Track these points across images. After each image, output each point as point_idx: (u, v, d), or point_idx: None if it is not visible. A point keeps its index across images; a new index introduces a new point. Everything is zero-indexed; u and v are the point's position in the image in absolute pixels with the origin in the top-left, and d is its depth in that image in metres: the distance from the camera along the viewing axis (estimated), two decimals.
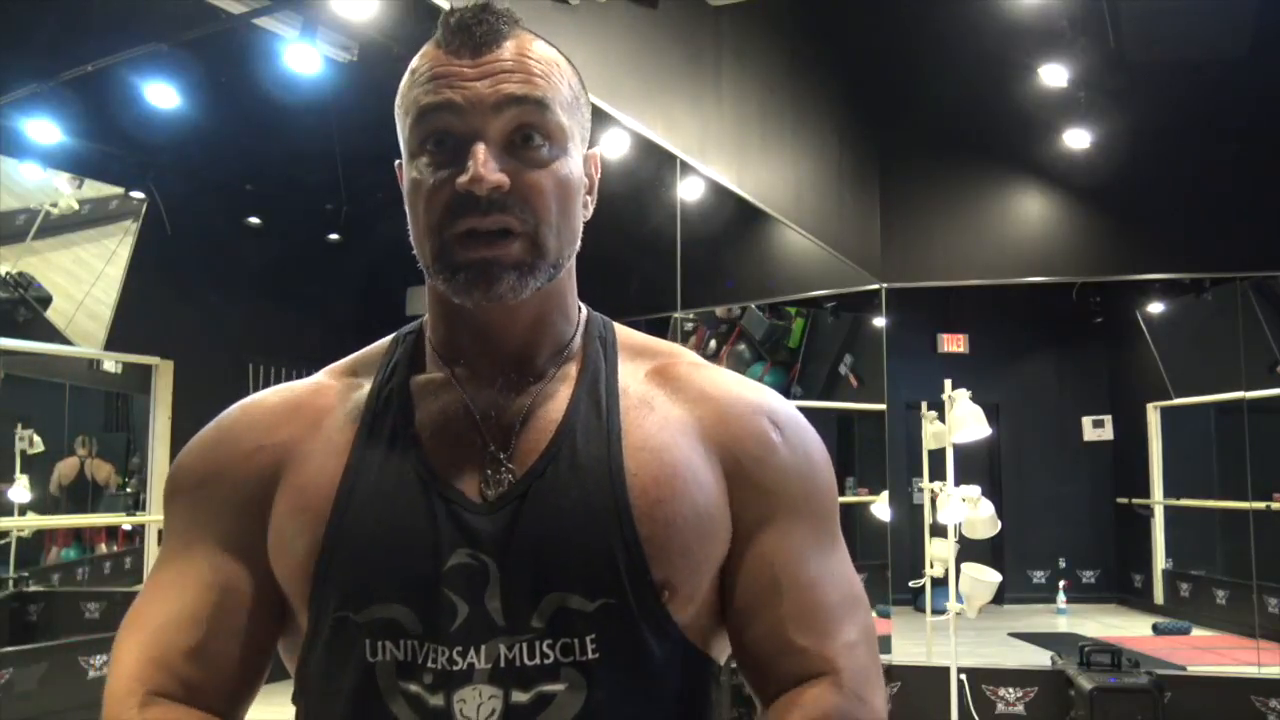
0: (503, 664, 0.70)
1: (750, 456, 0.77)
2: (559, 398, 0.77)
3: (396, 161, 0.80)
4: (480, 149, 0.70)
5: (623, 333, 0.85)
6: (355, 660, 0.71)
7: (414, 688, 0.70)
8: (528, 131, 0.73)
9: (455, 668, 0.70)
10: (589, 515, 0.72)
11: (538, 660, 0.70)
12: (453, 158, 0.72)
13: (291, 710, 0.79)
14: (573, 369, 0.80)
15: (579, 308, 0.83)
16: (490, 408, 0.77)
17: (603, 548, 0.71)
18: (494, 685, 0.69)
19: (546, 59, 0.76)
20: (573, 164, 0.76)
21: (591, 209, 0.82)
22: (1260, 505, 5.83)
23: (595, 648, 0.70)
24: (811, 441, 0.81)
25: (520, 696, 0.69)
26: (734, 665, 0.80)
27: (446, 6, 2.49)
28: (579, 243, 0.79)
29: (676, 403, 0.79)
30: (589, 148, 0.82)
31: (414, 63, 0.76)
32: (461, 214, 0.71)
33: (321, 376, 0.84)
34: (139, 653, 0.74)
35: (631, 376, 0.80)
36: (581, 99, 0.80)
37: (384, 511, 0.73)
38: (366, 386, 0.81)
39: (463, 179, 0.70)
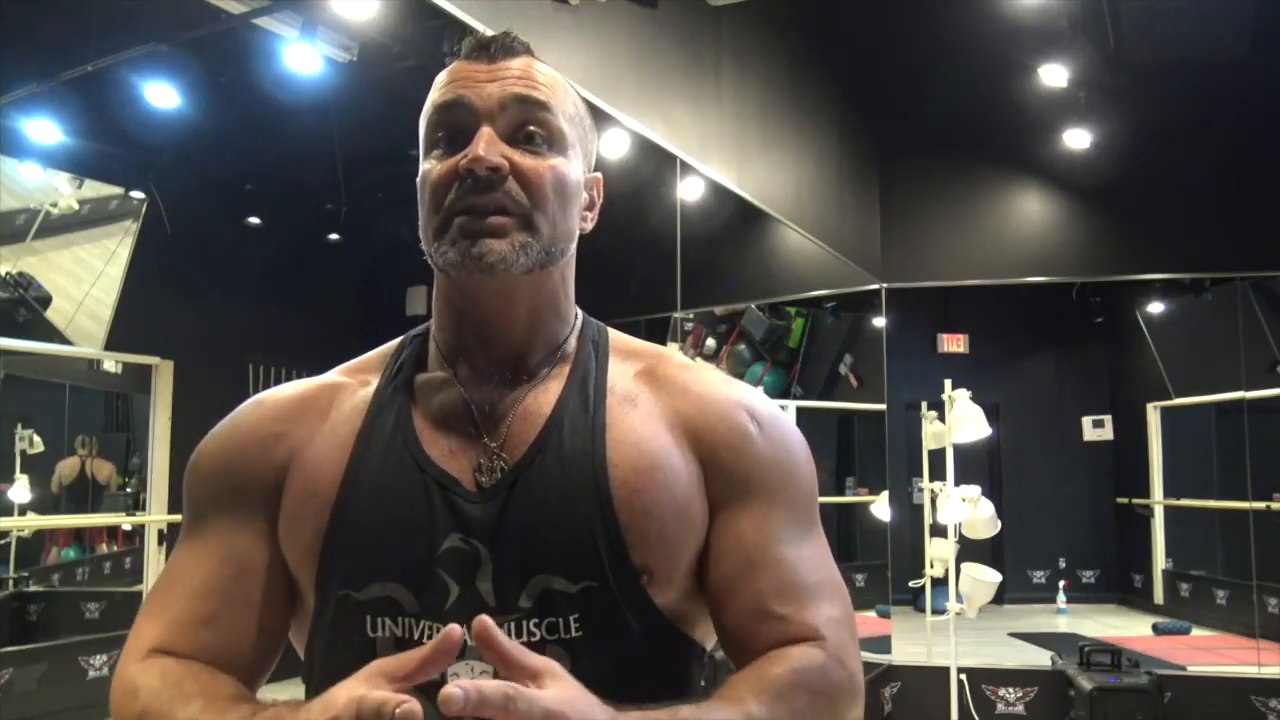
0: None
1: (726, 446, 0.81)
2: (550, 393, 0.82)
3: (419, 177, 0.85)
4: (485, 132, 0.77)
5: (616, 337, 0.90)
6: (357, 636, 0.76)
7: None
8: (530, 130, 0.79)
9: None
10: (572, 503, 0.76)
11: (525, 638, 0.75)
12: (460, 148, 0.78)
13: None
14: (565, 368, 0.84)
15: (575, 313, 0.88)
16: (486, 402, 0.82)
17: (585, 534, 0.75)
18: (485, 661, 0.72)
19: (552, 78, 0.83)
20: (572, 168, 0.82)
21: (591, 225, 0.87)
22: (1260, 505, 5.82)
23: (579, 626, 0.75)
24: (790, 436, 0.85)
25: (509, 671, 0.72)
26: (733, 665, 0.81)
27: (447, 7, 2.50)
28: (574, 245, 0.84)
29: (660, 399, 0.84)
30: (593, 171, 0.88)
31: (439, 77, 0.83)
32: (462, 193, 0.76)
33: (334, 374, 0.89)
34: (154, 622, 0.79)
35: (620, 376, 0.85)
36: (586, 121, 0.86)
37: (384, 498, 0.78)
38: (374, 383, 0.86)
39: (465, 160, 0.76)
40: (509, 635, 0.73)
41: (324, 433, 0.83)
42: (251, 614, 0.80)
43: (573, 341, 0.86)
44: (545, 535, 0.76)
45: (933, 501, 4.66)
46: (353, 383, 0.87)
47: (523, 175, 0.77)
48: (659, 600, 0.78)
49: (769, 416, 0.85)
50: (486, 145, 0.76)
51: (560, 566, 0.75)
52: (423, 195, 0.80)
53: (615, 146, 3.63)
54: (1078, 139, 5.21)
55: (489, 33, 0.83)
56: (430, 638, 0.73)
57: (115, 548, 5.99)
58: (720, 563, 0.80)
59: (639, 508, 0.77)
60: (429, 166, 0.79)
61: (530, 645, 0.73)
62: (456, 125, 0.79)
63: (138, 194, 5.22)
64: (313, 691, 0.79)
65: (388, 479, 0.78)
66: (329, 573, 0.78)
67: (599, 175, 0.88)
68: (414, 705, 0.58)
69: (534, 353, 0.84)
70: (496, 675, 0.72)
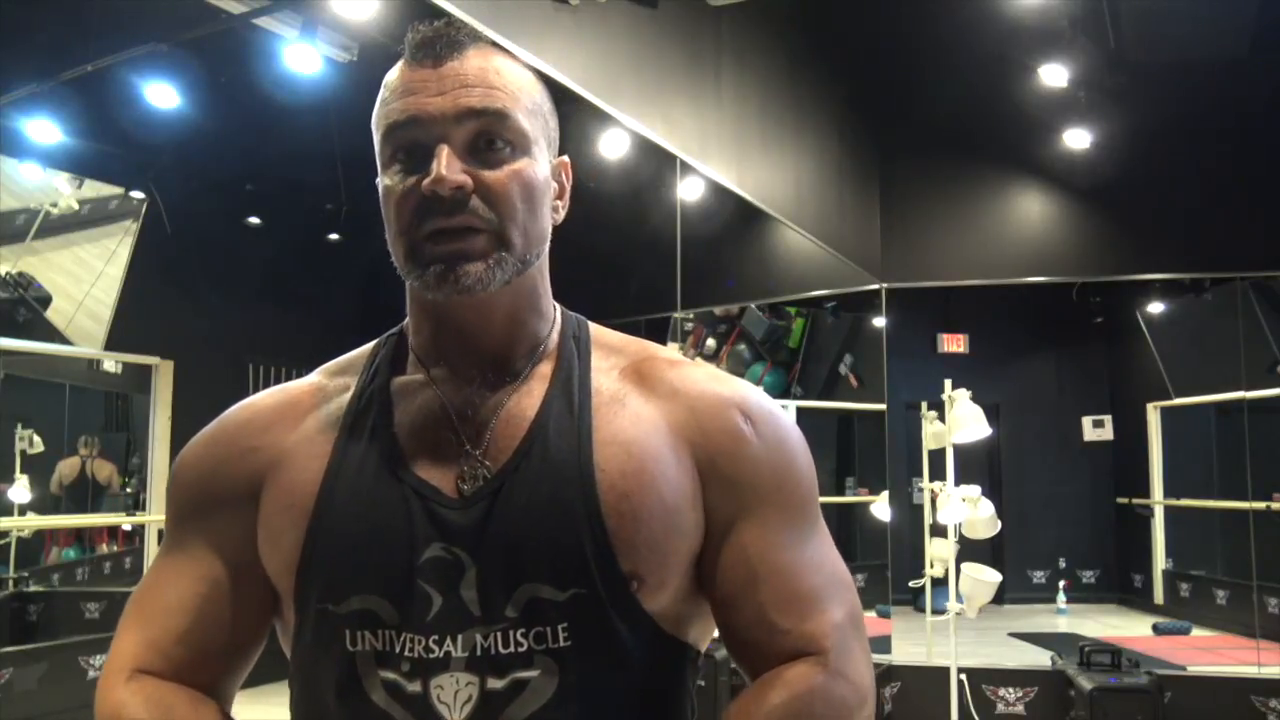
0: (479, 652, 0.72)
1: (721, 451, 0.79)
2: (533, 396, 0.80)
3: (377, 180, 0.83)
4: (444, 151, 0.74)
5: (597, 331, 0.87)
6: (337, 650, 0.74)
7: (392, 675, 0.73)
8: (490, 136, 0.76)
9: (432, 656, 0.72)
10: (559, 509, 0.74)
11: (512, 648, 0.72)
12: (419, 164, 0.75)
13: (287, 711, 0.81)
14: (548, 368, 0.82)
15: (554, 307, 0.86)
16: (466, 406, 0.79)
17: (572, 540, 0.73)
18: (470, 673, 0.72)
19: (506, 71, 0.79)
20: (537, 166, 0.79)
21: (564, 213, 0.85)
22: (1260, 505, 5.83)
23: (567, 636, 0.73)
24: (786, 432, 0.83)
25: (496, 683, 0.72)
26: (733, 665, 0.82)
27: (447, 7, 2.49)
28: (548, 242, 0.82)
29: (649, 400, 0.81)
30: (559, 155, 0.85)
31: (385, 79, 0.80)
32: (428, 215, 0.74)
33: (315, 377, 0.87)
34: (134, 636, 0.80)
35: (605, 375, 0.82)
36: (545, 108, 0.83)
37: (362, 509, 0.76)
38: (351, 388, 0.84)
39: (427, 181, 0.73)
40: (495, 646, 0.72)
41: (301, 442, 0.81)
42: (223, 633, 0.80)
43: (554, 338, 0.84)
44: (531, 542, 0.73)
45: (933, 501, 4.66)
46: (332, 386, 0.85)
47: (487, 189, 0.75)
48: (649, 606, 0.76)
49: (763, 414, 0.82)
50: (447, 164, 0.73)
51: (547, 574, 0.73)
52: (387, 213, 0.77)
53: (615, 146, 3.63)
54: (1078, 139, 5.21)
55: (469, 20, 0.80)
56: (411, 650, 0.73)
57: (115, 548, 6.00)
58: (723, 576, 0.78)
59: (627, 513, 0.74)
60: (390, 184, 0.77)
61: (517, 656, 0.72)
62: (412, 141, 0.76)
63: (138, 194, 5.23)
64: (296, 702, 0.80)
65: (364, 489, 0.77)
66: (307, 586, 0.76)
67: (565, 159, 0.85)
68: None
69: (515, 354, 0.81)
70: (483, 689, 0.72)
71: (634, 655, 0.75)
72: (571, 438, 0.77)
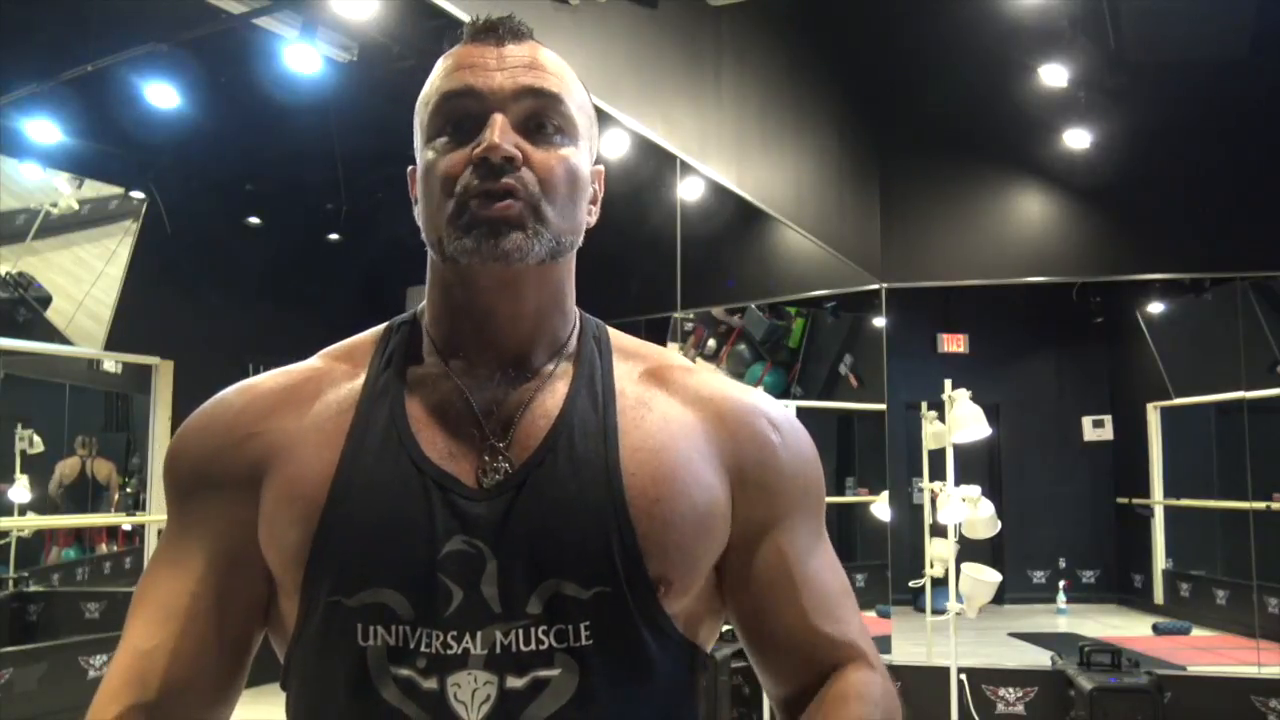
0: (498, 650, 0.71)
1: (752, 460, 0.81)
2: (556, 393, 0.79)
3: (410, 168, 0.82)
4: (498, 120, 0.75)
5: (616, 335, 0.87)
6: (346, 645, 0.72)
7: (405, 671, 0.71)
8: (541, 119, 0.77)
9: (449, 652, 0.71)
10: (586, 508, 0.73)
11: (533, 646, 0.71)
12: (468, 137, 0.75)
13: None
14: (569, 367, 0.81)
15: (575, 310, 0.86)
16: (488, 400, 0.78)
17: (599, 540, 0.73)
18: (489, 670, 0.71)
19: (561, 65, 0.81)
20: (581, 158, 0.80)
21: (594, 218, 0.84)
22: (1260, 505, 5.83)
23: (589, 634, 0.72)
24: (805, 440, 0.85)
25: (515, 681, 0.71)
26: (734, 665, 0.82)
27: (447, 7, 2.50)
28: (581, 237, 0.81)
29: (675, 404, 0.81)
30: (595, 163, 0.85)
31: (439, 62, 0.80)
32: (475, 180, 0.74)
33: (317, 361, 0.85)
34: (122, 665, 0.76)
35: (626, 377, 0.82)
36: (590, 112, 0.83)
37: (379, 499, 0.74)
38: (361, 374, 0.81)
39: (479, 148, 0.74)
40: (515, 644, 0.71)
41: (309, 428, 0.78)
42: (220, 643, 0.77)
43: (574, 339, 0.83)
44: (555, 537, 0.72)
45: (933, 501, 4.66)
46: (338, 371, 0.82)
47: (535, 164, 0.75)
48: (670, 608, 0.76)
49: (787, 424, 0.84)
50: (501, 133, 0.74)
51: (571, 570, 0.72)
52: (429, 185, 0.76)
53: (615, 146, 3.63)
54: (1078, 139, 5.21)
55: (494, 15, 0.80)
56: (428, 646, 0.71)
57: (115, 548, 6.00)
58: (756, 582, 0.80)
59: (658, 517, 0.74)
60: (434, 156, 0.76)
61: (538, 654, 0.71)
62: (465, 113, 0.76)
63: (138, 194, 5.23)
64: (294, 702, 0.77)
65: (383, 479, 0.74)
66: (317, 578, 0.73)
67: (601, 168, 0.86)
68: None
69: (537, 351, 0.80)
70: (502, 688, 0.70)
71: (654, 656, 0.75)
72: (598, 437, 0.77)
